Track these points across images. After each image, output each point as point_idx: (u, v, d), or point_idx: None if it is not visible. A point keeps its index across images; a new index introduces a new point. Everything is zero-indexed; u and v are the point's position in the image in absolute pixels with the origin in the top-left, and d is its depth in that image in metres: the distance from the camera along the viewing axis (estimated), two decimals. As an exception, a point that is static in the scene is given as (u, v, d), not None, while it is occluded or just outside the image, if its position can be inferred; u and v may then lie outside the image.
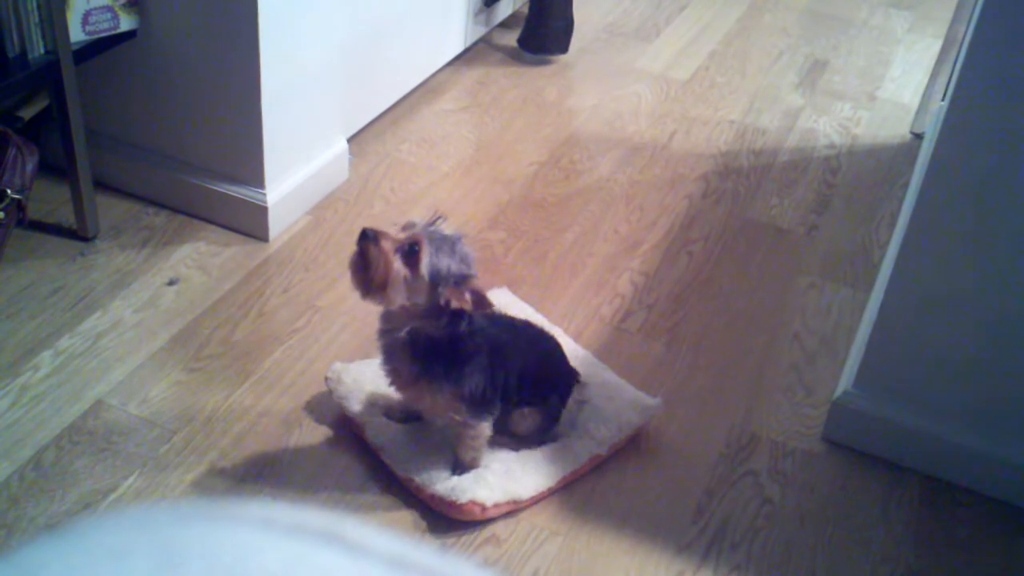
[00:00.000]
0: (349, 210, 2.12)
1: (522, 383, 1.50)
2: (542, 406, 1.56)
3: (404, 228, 1.36)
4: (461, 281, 1.34)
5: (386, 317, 1.42)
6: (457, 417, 1.45)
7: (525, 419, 1.55)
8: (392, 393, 1.60)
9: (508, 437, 1.56)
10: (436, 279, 1.33)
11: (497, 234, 2.10)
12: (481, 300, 1.35)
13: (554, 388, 1.59)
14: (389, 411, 1.59)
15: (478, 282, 1.36)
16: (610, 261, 2.07)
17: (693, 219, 2.22)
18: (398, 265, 1.32)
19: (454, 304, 1.33)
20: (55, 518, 1.44)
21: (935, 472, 1.66)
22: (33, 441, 1.55)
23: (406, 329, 1.38)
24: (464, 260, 1.35)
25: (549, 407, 1.57)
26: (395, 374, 1.44)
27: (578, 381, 1.62)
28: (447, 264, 1.33)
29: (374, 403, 1.59)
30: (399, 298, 1.34)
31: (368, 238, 1.33)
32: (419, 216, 1.39)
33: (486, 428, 1.49)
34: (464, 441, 1.50)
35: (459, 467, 1.52)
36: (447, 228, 1.37)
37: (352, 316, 1.84)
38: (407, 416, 1.58)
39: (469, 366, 1.41)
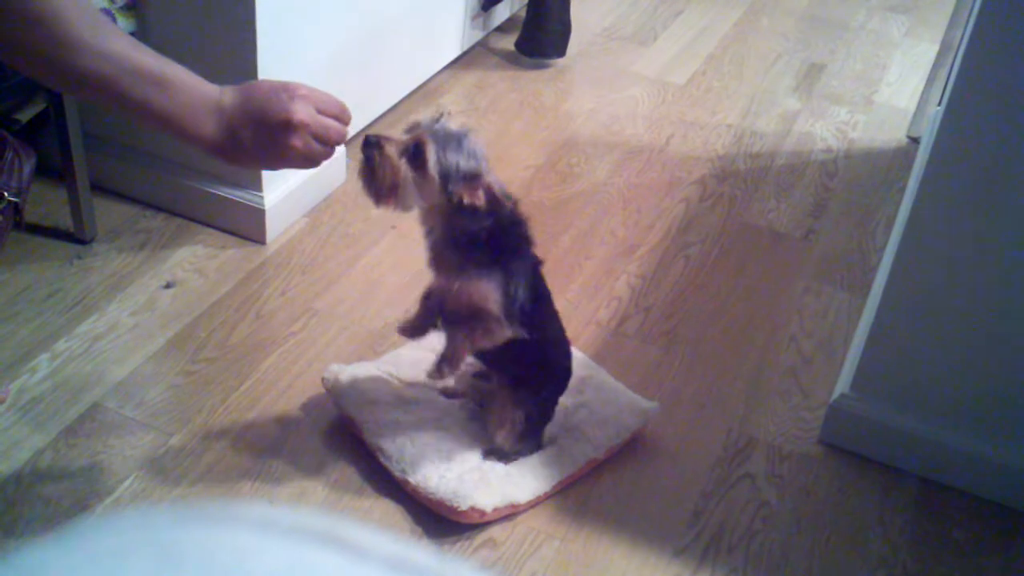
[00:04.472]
0: (346, 213, 2.12)
1: (525, 347, 1.42)
2: (532, 395, 1.51)
3: (408, 129, 1.33)
4: (471, 177, 1.29)
5: (423, 219, 1.37)
6: (492, 309, 1.35)
7: (506, 417, 1.50)
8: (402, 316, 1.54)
9: (489, 448, 1.54)
10: (445, 177, 1.28)
11: (494, 237, 2.10)
12: (494, 198, 1.30)
13: (548, 379, 1.54)
14: (403, 327, 1.49)
15: (490, 178, 1.30)
16: (607, 264, 2.07)
17: (690, 223, 2.22)
18: (404, 168, 1.29)
19: (467, 201, 1.29)
20: (52, 521, 1.44)
21: (932, 475, 1.66)
22: (30, 444, 1.55)
23: (441, 228, 1.34)
24: (472, 155, 1.29)
25: (541, 405, 1.53)
26: (439, 266, 1.38)
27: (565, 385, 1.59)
28: (455, 160, 1.28)
29: (372, 404, 1.59)
30: (412, 201, 1.31)
31: (371, 144, 1.31)
32: (424, 115, 1.35)
33: (521, 414, 1.47)
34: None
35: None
36: (454, 124, 1.32)
37: (350, 319, 1.84)
38: (419, 329, 1.48)
39: (515, 262, 1.36)
